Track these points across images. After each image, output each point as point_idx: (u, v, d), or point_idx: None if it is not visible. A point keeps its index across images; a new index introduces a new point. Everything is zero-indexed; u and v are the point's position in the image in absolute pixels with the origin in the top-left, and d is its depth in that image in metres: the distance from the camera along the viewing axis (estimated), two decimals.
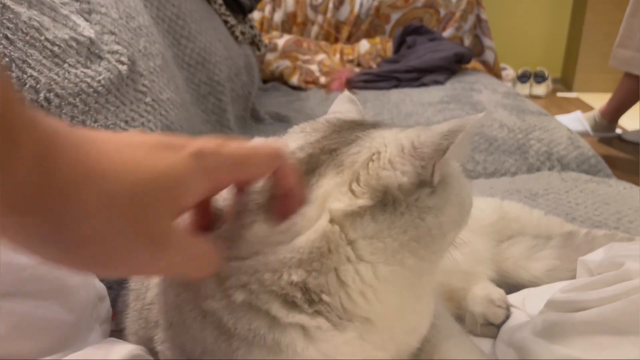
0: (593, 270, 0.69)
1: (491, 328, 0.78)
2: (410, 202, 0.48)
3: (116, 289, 0.77)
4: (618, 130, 3.23)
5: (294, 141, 0.54)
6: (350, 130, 0.54)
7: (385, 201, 0.48)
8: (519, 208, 1.04)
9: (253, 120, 2.00)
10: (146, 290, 0.58)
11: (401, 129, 0.52)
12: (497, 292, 0.82)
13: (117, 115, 0.87)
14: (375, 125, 0.56)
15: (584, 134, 3.10)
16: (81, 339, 0.60)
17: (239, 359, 0.47)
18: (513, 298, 0.83)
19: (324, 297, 0.47)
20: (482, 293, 0.81)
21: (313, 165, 0.50)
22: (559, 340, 0.60)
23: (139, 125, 0.91)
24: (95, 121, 0.80)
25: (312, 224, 0.47)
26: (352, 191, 0.48)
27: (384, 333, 0.51)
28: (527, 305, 0.79)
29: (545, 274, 0.87)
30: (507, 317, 0.78)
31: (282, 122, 1.93)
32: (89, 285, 0.65)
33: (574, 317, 0.60)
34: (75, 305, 0.60)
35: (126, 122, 0.89)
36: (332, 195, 0.48)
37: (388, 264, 0.48)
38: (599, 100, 3.59)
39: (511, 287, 0.88)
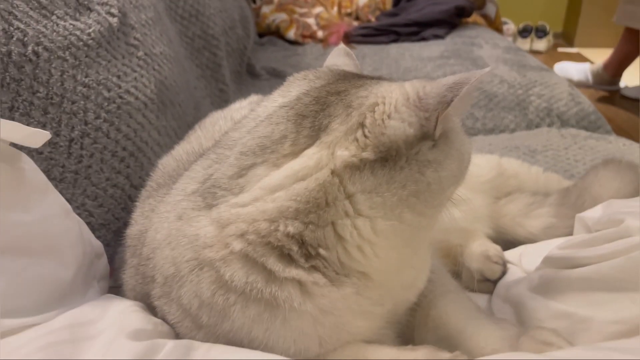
0: (591, 227, 0.69)
1: (488, 284, 0.78)
2: (411, 155, 0.48)
3: (113, 246, 0.76)
4: (622, 84, 3.23)
5: (298, 87, 0.54)
6: (357, 77, 0.54)
7: (387, 156, 0.47)
8: (517, 165, 1.03)
9: (249, 75, 1.97)
10: (142, 246, 0.58)
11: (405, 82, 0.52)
12: (494, 249, 0.82)
13: (109, 70, 0.84)
14: (379, 78, 0.55)
15: (583, 84, 3.11)
16: (79, 296, 0.60)
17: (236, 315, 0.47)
18: (510, 254, 0.84)
19: (321, 251, 0.47)
20: (479, 249, 0.82)
21: (321, 106, 0.50)
22: (555, 296, 0.61)
23: (131, 81, 0.89)
24: (87, 76, 0.78)
25: (319, 170, 0.47)
26: (358, 140, 0.47)
27: (381, 288, 0.51)
28: (523, 261, 0.80)
29: (543, 231, 0.87)
30: (504, 273, 0.79)
31: (279, 78, 1.89)
32: (85, 243, 0.65)
33: (570, 274, 0.60)
34: (72, 263, 0.59)
35: (118, 77, 0.86)
36: (340, 143, 0.48)
37: (386, 218, 0.48)
38: (600, 55, 3.56)
39: (508, 243, 0.88)
